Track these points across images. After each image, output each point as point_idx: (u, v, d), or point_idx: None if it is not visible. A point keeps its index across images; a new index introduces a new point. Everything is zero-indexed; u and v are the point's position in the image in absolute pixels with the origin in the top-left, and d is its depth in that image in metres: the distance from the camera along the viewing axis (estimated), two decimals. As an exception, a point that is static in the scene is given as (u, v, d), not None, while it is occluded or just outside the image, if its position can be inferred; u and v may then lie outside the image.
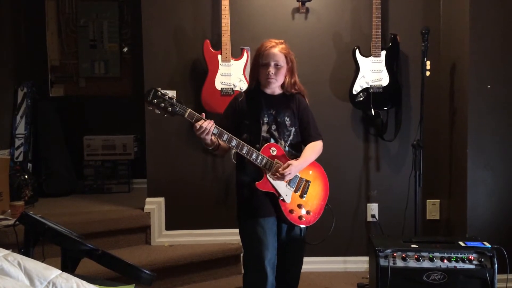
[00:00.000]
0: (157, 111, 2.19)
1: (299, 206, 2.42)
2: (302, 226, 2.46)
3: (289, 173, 2.32)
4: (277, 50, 2.37)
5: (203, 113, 2.25)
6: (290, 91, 2.46)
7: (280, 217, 2.41)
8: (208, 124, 2.21)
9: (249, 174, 2.40)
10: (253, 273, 2.37)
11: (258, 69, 2.42)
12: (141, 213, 3.44)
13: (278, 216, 2.41)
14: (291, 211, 2.40)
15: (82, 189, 4.34)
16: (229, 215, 3.40)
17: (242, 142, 2.30)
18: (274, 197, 2.38)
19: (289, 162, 2.35)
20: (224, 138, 2.27)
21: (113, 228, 3.32)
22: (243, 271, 2.51)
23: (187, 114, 2.21)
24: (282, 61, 2.38)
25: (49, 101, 4.55)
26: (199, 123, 2.21)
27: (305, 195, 2.44)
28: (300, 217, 2.41)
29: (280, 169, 2.33)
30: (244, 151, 2.30)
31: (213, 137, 2.30)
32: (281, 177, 2.33)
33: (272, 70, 2.37)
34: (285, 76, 2.43)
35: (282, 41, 2.44)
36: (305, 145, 2.51)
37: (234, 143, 2.29)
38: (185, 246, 3.39)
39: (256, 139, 2.38)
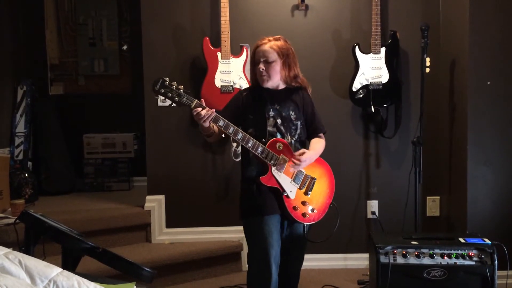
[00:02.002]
0: (165, 100, 2.22)
1: (303, 203, 2.41)
2: (305, 223, 2.46)
3: (305, 160, 2.34)
4: (267, 46, 2.37)
5: (202, 100, 2.27)
6: (291, 84, 2.45)
7: (284, 214, 2.40)
8: (207, 112, 2.22)
9: (255, 170, 2.40)
10: (258, 271, 2.36)
11: (251, 64, 2.45)
12: (141, 211, 3.45)
13: (281, 213, 2.41)
14: (294, 208, 2.39)
15: (82, 187, 4.35)
16: (230, 212, 3.40)
17: (247, 135, 2.30)
18: (279, 193, 2.37)
19: (303, 150, 2.37)
20: (230, 131, 2.27)
21: (113, 226, 3.33)
22: (244, 269, 2.51)
23: (193, 104, 2.22)
24: (273, 57, 2.37)
25: (49, 99, 4.55)
26: (198, 109, 2.22)
27: (310, 192, 2.42)
28: (304, 214, 2.40)
29: (296, 153, 2.34)
30: (249, 145, 2.29)
31: (210, 124, 2.30)
32: (296, 163, 2.34)
33: (262, 66, 2.37)
34: (281, 71, 2.41)
35: (278, 37, 2.43)
36: (311, 138, 2.52)
37: (239, 136, 2.29)
38: (186, 243, 3.39)
39: (262, 134, 2.38)
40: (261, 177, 2.33)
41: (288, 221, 2.46)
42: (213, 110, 2.25)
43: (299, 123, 2.45)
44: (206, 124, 2.26)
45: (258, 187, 2.36)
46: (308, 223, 2.46)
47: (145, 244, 3.42)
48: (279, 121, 2.40)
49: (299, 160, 2.33)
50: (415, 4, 3.44)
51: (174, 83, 2.21)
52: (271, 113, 2.40)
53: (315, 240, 2.60)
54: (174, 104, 2.24)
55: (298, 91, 2.49)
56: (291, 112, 2.43)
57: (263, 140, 2.35)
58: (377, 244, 2.60)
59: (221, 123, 2.26)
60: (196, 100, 2.24)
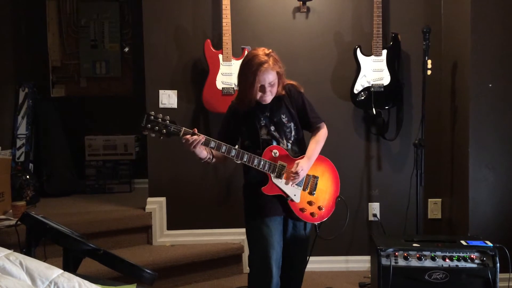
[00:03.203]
0: (153, 135, 2.22)
1: (310, 203, 2.42)
2: (316, 223, 2.47)
3: (302, 170, 2.31)
4: (270, 69, 2.28)
5: (195, 129, 2.26)
6: (280, 93, 2.41)
7: (292, 217, 2.42)
8: (197, 138, 2.22)
9: (256, 175, 2.39)
10: (259, 272, 2.36)
11: (251, 88, 2.30)
12: (143, 213, 3.45)
13: (290, 216, 2.42)
14: (302, 210, 2.40)
15: (84, 189, 4.35)
16: (230, 214, 3.41)
17: (241, 150, 2.30)
18: (283, 198, 2.38)
19: (297, 161, 2.35)
20: (223, 150, 2.28)
21: (114, 228, 3.33)
22: (245, 271, 2.51)
23: (182, 133, 2.23)
24: (275, 78, 2.32)
25: (51, 101, 4.56)
26: (186, 136, 2.22)
27: (314, 192, 2.43)
28: (312, 214, 2.42)
29: (292, 169, 2.32)
30: (245, 159, 2.30)
31: (206, 151, 2.32)
32: (295, 177, 2.32)
33: (268, 89, 2.32)
34: (278, 86, 2.37)
35: (269, 51, 2.32)
36: (308, 131, 2.50)
37: (233, 153, 2.29)
38: (187, 246, 3.39)
39: (257, 144, 2.38)
40: (262, 188, 2.34)
41: (292, 223, 2.46)
42: (202, 135, 2.24)
43: (292, 124, 2.43)
44: (198, 150, 2.27)
45: (259, 191, 2.35)
46: (318, 222, 2.46)
47: (146, 246, 3.41)
48: (272, 128, 2.40)
49: (296, 173, 2.31)
50: (417, 6, 3.44)
51: (160, 115, 2.22)
52: (262, 122, 2.39)
53: (325, 238, 2.59)
54: (162, 137, 2.23)
55: (284, 92, 2.43)
56: (282, 115, 2.41)
57: (258, 151, 2.35)
58: (378, 247, 2.60)
59: (212, 144, 2.26)
60: (184, 128, 2.24)
